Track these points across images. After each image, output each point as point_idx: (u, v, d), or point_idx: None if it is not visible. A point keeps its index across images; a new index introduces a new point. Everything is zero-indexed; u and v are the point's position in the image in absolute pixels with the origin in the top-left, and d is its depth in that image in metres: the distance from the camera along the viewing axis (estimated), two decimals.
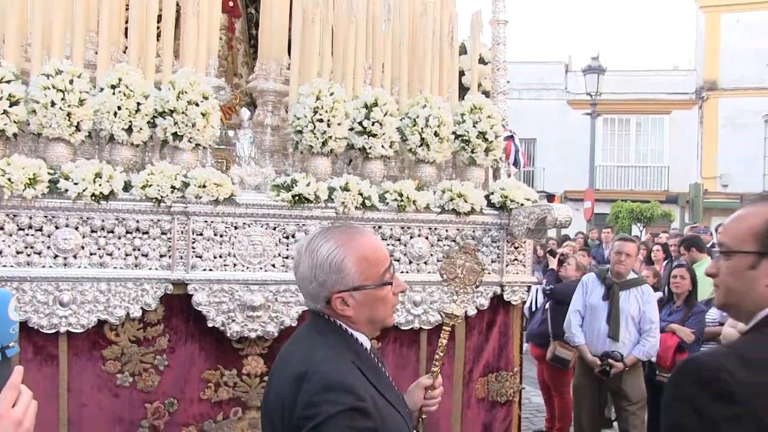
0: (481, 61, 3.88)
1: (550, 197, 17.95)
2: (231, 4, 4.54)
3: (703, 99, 28.09)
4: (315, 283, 2.02)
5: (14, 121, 2.82)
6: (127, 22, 3.39)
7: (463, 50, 3.99)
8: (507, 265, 3.45)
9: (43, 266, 2.88)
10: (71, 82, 2.85)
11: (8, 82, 2.81)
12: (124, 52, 3.47)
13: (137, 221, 2.99)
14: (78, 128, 2.89)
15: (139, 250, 3.01)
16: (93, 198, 2.85)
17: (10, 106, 2.79)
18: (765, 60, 27.11)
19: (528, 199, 3.40)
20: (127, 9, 3.36)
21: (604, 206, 24.71)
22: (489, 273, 3.40)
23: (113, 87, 2.92)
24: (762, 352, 1.69)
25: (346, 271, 2.03)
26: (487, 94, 3.74)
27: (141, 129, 2.97)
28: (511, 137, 3.58)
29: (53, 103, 2.81)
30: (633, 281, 5.78)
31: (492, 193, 3.44)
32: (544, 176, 28.22)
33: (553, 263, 7.48)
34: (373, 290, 2.01)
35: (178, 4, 3.40)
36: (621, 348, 5.50)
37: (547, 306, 6.91)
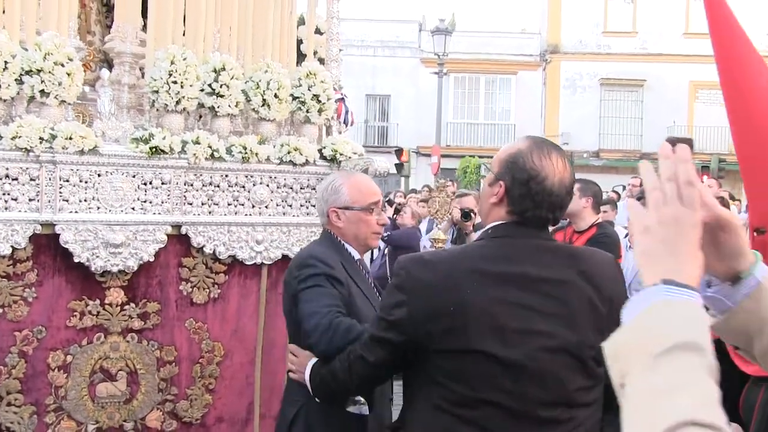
0: (318, 31, 4.42)
1: (399, 151, 18.80)
2: None
3: (546, 61, 29.66)
4: (321, 201, 2.80)
5: None
6: None
7: (302, 22, 4.51)
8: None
9: None
10: None
11: None
12: None
13: (7, 169, 3.35)
14: None
15: (9, 194, 3.36)
16: None
17: None
18: (600, 29, 29.06)
19: (354, 153, 3.99)
20: None
21: (455, 161, 25.94)
22: None
23: None
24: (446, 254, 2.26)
25: (340, 193, 2.82)
26: (322, 61, 4.28)
27: (9, 86, 3.33)
28: (342, 99, 4.15)
29: None
30: (480, 225, 6.46)
31: (324, 147, 3.99)
32: (398, 132, 29.14)
33: (390, 212, 8.20)
34: (358, 212, 2.80)
35: None
36: None
37: (386, 251, 7.63)
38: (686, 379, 1.04)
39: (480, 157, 25.04)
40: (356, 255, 2.89)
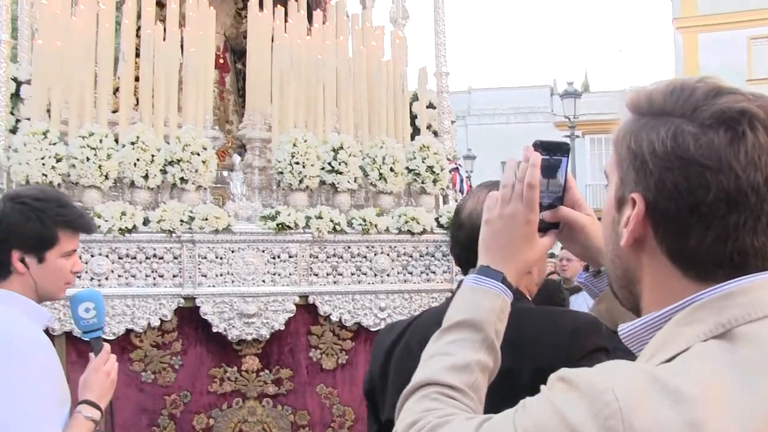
0: (431, 105, 4.67)
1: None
2: (221, 61, 5.31)
3: None
4: None
5: (59, 174, 3.61)
6: (137, 79, 4.18)
7: (416, 97, 4.78)
8: (456, 275, 4.18)
9: (82, 288, 3.63)
10: (101, 141, 3.64)
11: (54, 144, 3.60)
12: (135, 108, 4.25)
13: (154, 249, 3.74)
14: (107, 177, 3.67)
15: (156, 272, 3.75)
16: (120, 231, 3.62)
17: (57, 162, 3.59)
18: (743, 77, 27.88)
19: None
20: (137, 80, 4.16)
21: None
22: (441, 282, 4.15)
23: (133, 143, 3.71)
24: None
25: None
26: (436, 133, 4.51)
27: (155, 175, 3.75)
28: (456, 169, 4.35)
29: (88, 159, 3.60)
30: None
31: (441, 216, 4.17)
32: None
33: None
34: None
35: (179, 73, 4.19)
36: None
37: None
38: (449, 349, 1.21)
39: None
40: None
